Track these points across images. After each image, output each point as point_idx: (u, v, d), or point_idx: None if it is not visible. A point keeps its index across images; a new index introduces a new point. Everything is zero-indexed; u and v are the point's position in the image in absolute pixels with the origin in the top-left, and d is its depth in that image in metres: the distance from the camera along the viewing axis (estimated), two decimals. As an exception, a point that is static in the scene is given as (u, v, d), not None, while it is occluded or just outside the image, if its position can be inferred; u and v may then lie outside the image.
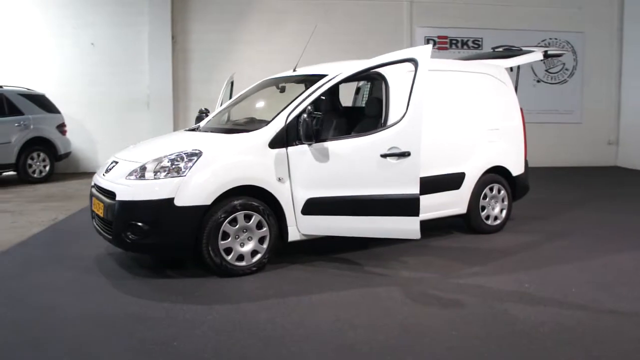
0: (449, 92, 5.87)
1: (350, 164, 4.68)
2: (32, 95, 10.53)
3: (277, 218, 4.77)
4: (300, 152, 4.72)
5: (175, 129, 11.99)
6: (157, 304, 4.06)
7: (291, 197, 4.77)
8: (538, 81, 12.88)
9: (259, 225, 4.67)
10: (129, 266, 4.95)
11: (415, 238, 4.56)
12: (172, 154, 4.56)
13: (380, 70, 5.35)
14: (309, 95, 4.83)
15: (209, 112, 6.52)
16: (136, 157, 4.79)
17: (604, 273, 4.75)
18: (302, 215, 4.79)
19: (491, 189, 6.11)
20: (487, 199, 6.09)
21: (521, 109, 6.41)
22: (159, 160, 4.54)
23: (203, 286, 4.45)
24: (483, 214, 6.07)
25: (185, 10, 12.38)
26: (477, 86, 6.09)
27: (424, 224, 5.94)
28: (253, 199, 4.64)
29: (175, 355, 3.20)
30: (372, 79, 5.63)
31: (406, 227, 4.52)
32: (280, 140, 4.72)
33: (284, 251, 5.08)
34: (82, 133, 12.04)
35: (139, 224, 4.40)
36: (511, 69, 6.76)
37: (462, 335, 3.43)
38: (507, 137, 6.23)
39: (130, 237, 4.45)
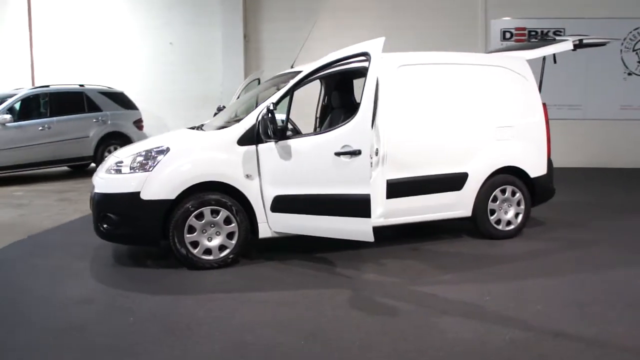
0: (453, 87, 5.50)
1: (310, 162, 4.59)
2: (111, 93, 11.46)
3: (248, 214, 4.81)
4: (269, 150, 4.71)
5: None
6: (112, 290, 4.32)
7: (261, 194, 4.77)
8: (629, 74, 11.55)
9: (228, 221, 4.74)
10: (119, 255, 5.24)
11: (368, 240, 4.36)
12: (143, 151, 4.77)
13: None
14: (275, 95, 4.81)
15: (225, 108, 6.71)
16: (120, 154, 5.08)
17: (593, 290, 4.20)
18: (271, 213, 4.78)
19: (503, 191, 5.63)
20: (498, 202, 5.62)
21: (544, 105, 5.82)
22: (133, 156, 4.78)
23: (168, 277, 4.62)
24: (492, 218, 5.61)
25: (257, 9, 12.76)
26: (488, 80, 5.63)
27: (423, 226, 5.73)
28: (221, 195, 4.71)
29: (71, 338, 3.42)
30: (364, 75, 5.42)
31: (359, 228, 4.34)
32: (250, 138, 4.74)
33: (270, 247, 5.17)
34: (161, 128, 12.73)
35: (111, 215, 4.68)
36: (554, 60, 6.21)
37: (362, 345, 3.24)
38: (524, 135, 5.70)
39: (104, 227, 4.74)
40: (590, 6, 11.43)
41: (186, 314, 3.78)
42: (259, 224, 4.82)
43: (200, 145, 4.84)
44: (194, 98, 12.94)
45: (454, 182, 5.41)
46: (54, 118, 10.42)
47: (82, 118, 10.82)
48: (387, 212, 5.16)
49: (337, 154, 4.38)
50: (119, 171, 4.76)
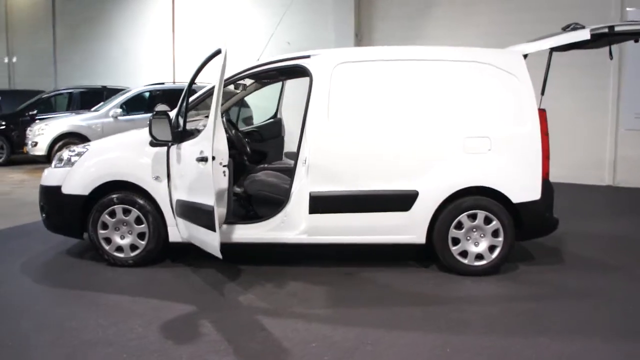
0: (405, 88, 4.62)
1: (185, 167, 4.37)
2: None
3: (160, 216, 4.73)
4: (173, 153, 4.57)
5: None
6: (20, 276, 4.68)
7: (169, 197, 4.65)
8: None
9: (139, 221, 4.72)
10: (78, 245, 5.47)
11: (217, 256, 3.93)
12: (73, 147, 5.02)
13: (306, 64, 4.75)
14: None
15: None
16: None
17: None
18: (177, 217, 4.63)
19: (472, 217, 4.58)
20: (464, 230, 4.58)
21: (542, 111, 4.56)
22: (68, 152, 5.04)
23: (79, 270, 4.82)
24: (455, 248, 4.59)
25: (369, 8, 12.46)
26: (458, 80, 4.60)
27: (361, 249, 5.09)
28: (134, 195, 4.71)
29: None
30: (301, 74, 4.90)
31: (209, 241, 3.97)
32: (162, 139, 4.63)
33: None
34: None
35: (44, 205, 5.02)
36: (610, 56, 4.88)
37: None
38: (506, 149, 4.54)
39: (42, 216, 5.10)
40: None
41: (27, 308, 3.94)
42: (168, 227, 4.71)
43: (115, 145, 4.90)
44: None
45: (398, 200, 4.55)
46: (163, 112, 11.45)
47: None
48: (310, 228, 4.58)
49: (198, 159, 4.05)
50: (57, 165, 5.06)
